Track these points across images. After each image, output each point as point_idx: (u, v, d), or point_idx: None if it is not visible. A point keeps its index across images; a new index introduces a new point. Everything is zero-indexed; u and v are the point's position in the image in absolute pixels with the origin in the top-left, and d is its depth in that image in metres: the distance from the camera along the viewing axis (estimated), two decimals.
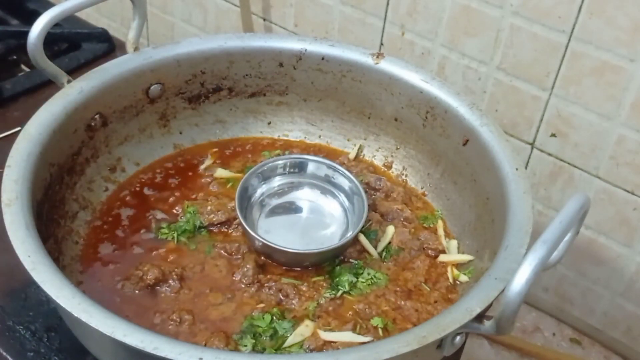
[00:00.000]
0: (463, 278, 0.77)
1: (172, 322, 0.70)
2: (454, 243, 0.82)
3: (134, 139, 0.87)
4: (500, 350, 1.05)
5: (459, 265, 0.79)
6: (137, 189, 0.86)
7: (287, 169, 0.84)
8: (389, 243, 0.80)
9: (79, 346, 0.68)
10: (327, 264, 0.77)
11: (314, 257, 0.76)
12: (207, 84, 0.90)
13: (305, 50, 0.89)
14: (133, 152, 0.87)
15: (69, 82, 0.80)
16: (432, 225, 0.84)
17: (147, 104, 0.87)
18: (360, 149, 0.93)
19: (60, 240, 0.76)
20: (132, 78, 0.84)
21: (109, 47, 1.19)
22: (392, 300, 0.74)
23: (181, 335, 0.69)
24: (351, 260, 0.78)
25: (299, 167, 0.84)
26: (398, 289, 0.76)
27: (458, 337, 0.61)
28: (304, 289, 0.74)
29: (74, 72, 1.02)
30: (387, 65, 0.87)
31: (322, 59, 0.89)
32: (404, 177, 0.90)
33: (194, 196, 0.85)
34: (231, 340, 0.69)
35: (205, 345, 0.68)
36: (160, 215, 0.82)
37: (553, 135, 0.95)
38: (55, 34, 1.15)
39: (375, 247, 0.79)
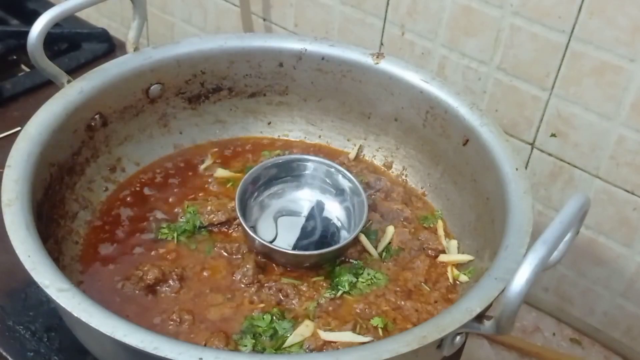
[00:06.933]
0: (463, 278, 0.77)
1: (172, 322, 0.70)
2: (454, 243, 0.82)
3: (134, 139, 0.87)
4: (500, 350, 1.05)
5: (459, 265, 0.79)
6: (137, 189, 0.86)
7: (287, 169, 0.84)
8: (389, 243, 0.80)
9: (79, 346, 0.68)
10: (327, 264, 0.77)
11: (314, 258, 0.76)
12: (207, 84, 0.90)
13: (305, 50, 0.89)
14: (133, 152, 0.87)
15: (69, 82, 0.80)
16: (432, 225, 0.84)
17: (147, 104, 0.87)
18: (360, 149, 0.93)
19: (60, 240, 0.76)
20: (132, 78, 0.84)
21: (109, 47, 1.19)
22: (392, 300, 0.74)
23: (181, 335, 0.69)
24: (351, 260, 0.78)
25: (299, 167, 0.84)
26: (398, 289, 0.76)
27: (458, 337, 0.61)
28: (304, 289, 0.74)
29: (74, 72, 1.02)
30: (387, 65, 0.87)
31: (322, 59, 0.89)
32: (404, 177, 0.90)
33: (193, 196, 0.85)
34: (231, 340, 0.69)
35: (205, 345, 0.68)
36: (160, 215, 0.82)
37: (553, 135, 0.95)
38: (55, 34, 1.15)
39: (376, 247, 0.79)
